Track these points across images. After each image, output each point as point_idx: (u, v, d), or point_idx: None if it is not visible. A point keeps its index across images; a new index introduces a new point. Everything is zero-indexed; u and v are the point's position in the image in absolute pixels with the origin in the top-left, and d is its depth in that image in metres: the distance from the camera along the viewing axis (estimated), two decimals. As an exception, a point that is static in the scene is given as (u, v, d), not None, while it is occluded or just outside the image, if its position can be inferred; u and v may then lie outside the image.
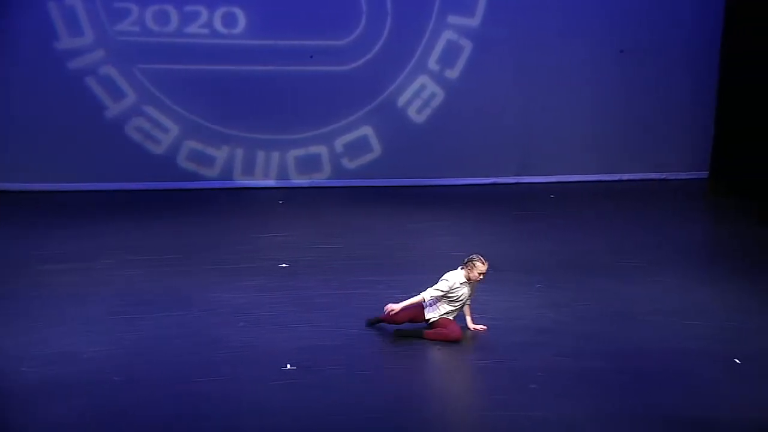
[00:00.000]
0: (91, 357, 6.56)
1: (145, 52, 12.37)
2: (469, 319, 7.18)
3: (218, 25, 12.52)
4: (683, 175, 12.94)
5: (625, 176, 12.99)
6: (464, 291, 6.98)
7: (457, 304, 6.99)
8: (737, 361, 6.47)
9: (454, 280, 6.95)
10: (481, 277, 6.98)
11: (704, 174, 12.59)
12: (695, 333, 7.06)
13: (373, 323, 7.17)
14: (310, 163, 12.83)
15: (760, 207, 10.34)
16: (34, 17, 12.06)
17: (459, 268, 7.00)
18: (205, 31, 12.49)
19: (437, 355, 6.70)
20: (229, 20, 12.52)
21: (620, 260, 8.87)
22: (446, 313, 6.99)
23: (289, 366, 6.40)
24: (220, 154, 12.74)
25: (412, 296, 7.00)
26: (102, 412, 5.73)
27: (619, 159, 12.93)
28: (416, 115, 12.86)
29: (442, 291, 6.93)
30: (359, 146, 12.82)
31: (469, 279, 6.96)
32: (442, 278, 6.99)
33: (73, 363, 6.45)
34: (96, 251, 9.22)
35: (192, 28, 12.47)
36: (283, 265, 8.78)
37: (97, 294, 7.94)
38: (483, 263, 6.95)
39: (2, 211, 11.08)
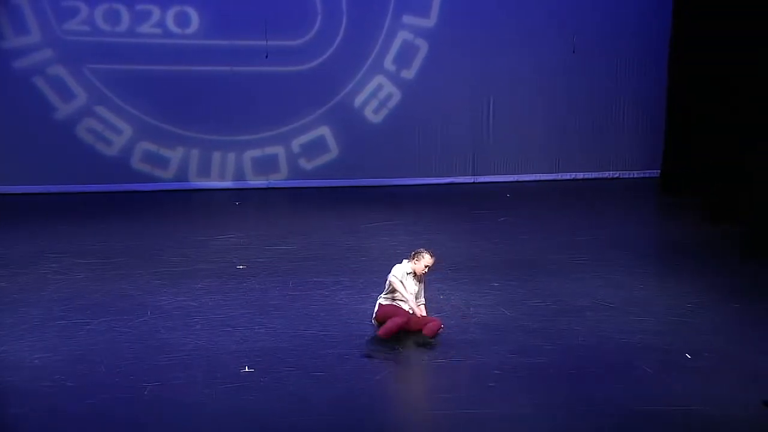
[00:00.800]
0: (40, 363, 6.42)
1: (95, 51, 12.15)
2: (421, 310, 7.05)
3: (171, 24, 12.35)
4: (636, 174, 13.15)
5: (580, 175, 13.15)
6: (411, 284, 6.94)
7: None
8: (688, 356, 6.59)
9: (402, 269, 6.91)
10: (426, 270, 6.96)
11: (656, 173, 12.81)
12: (640, 327, 7.19)
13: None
14: (266, 164, 12.74)
15: (706, 205, 10.56)
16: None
17: (405, 260, 6.98)
18: (158, 30, 12.32)
19: (394, 355, 6.68)
20: (182, 20, 12.36)
21: (571, 258, 8.99)
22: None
23: (247, 368, 6.33)
24: (175, 155, 12.57)
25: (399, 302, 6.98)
26: (54, 419, 5.60)
27: (573, 158, 13.09)
28: (373, 115, 12.85)
29: (398, 278, 6.86)
30: (316, 147, 12.77)
31: (414, 272, 6.92)
32: (391, 273, 6.95)
33: (22, 369, 6.30)
34: (42, 255, 9.03)
35: (144, 28, 12.29)
36: (241, 267, 8.68)
37: (43, 299, 7.77)
38: (431, 256, 6.94)
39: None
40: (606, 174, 13.19)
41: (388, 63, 12.78)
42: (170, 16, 12.31)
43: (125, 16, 12.21)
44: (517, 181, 12.88)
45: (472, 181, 12.97)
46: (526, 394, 6.03)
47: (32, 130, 12.06)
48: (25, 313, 7.41)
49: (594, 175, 13.12)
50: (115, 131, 12.39)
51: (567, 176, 13.13)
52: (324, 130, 12.79)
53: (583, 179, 13.02)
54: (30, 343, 6.78)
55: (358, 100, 12.76)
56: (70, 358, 6.53)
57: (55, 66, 12.12)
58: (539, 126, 13.03)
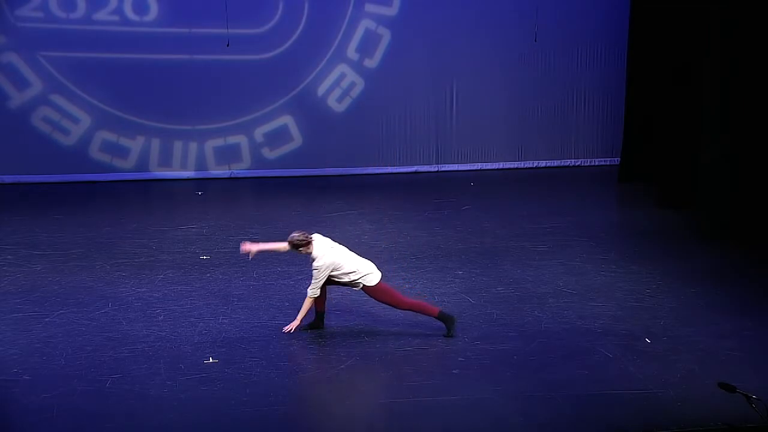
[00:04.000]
0: (-4, 357, 6.28)
1: (50, 39, 11.88)
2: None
3: (129, 12, 12.12)
4: (596, 162, 13.30)
5: (542, 163, 13.26)
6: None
7: None
8: (648, 340, 6.70)
9: (322, 261, 6.60)
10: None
11: (615, 161, 12.97)
12: (600, 313, 7.29)
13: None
14: (229, 154, 12.60)
15: (664, 192, 10.73)
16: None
17: (300, 249, 6.60)
18: (115, 18, 12.08)
19: (358, 343, 6.68)
20: (140, 7, 12.14)
21: (534, 245, 9.07)
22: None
23: (211, 359, 6.27)
24: (135, 144, 12.37)
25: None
26: (12, 412, 5.48)
27: (535, 147, 13.19)
28: (336, 104, 12.79)
29: (321, 279, 6.62)
30: (279, 136, 12.67)
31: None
32: (314, 270, 6.63)
33: (-24, 363, 6.16)
34: (-3, 246, 8.84)
35: (101, 15, 12.04)
36: (204, 257, 8.59)
37: (-1, 291, 7.61)
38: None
39: None
40: (567, 162, 13.32)
41: (351, 51, 12.72)
42: (128, 2, 12.09)
43: (81, 3, 11.95)
44: (481, 170, 12.94)
45: (435, 169, 13.00)
46: (489, 381, 6.08)
47: (-14, 119, 11.77)
48: (-19, 307, 7.25)
49: (555, 163, 13.24)
50: (72, 120, 12.14)
51: (529, 164, 13.23)
52: (287, 119, 12.70)
53: (545, 167, 13.12)
54: (-14, 337, 6.64)
55: (321, 89, 12.68)
56: (27, 351, 6.41)
57: (7, 53, 11.83)
58: (502, 115, 13.09)
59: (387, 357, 6.48)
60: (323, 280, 6.64)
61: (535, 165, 13.22)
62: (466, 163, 13.05)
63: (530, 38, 12.79)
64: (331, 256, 6.64)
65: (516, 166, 13.14)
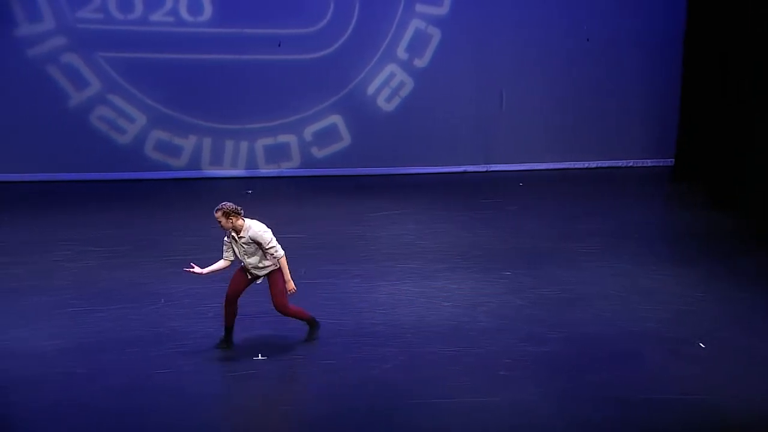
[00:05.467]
0: (51, 350, 6.48)
1: (109, 39, 12.18)
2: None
3: (184, 12, 12.37)
4: (649, 163, 13.07)
5: (593, 164, 13.08)
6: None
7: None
8: (702, 345, 6.57)
9: (261, 225, 6.50)
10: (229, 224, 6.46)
11: (669, 161, 12.72)
12: (647, 316, 7.18)
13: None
14: (278, 153, 12.76)
15: (718, 194, 10.49)
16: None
17: (231, 217, 6.39)
18: (171, 18, 12.34)
19: (403, 342, 6.70)
20: (195, 8, 12.37)
21: (581, 246, 8.98)
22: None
23: (260, 356, 6.36)
24: (188, 143, 12.61)
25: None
26: (68, 405, 5.66)
27: (585, 147, 13.02)
28: (385, 103, 12.83)
29: (272, 237, 6.47)
30: (328, 135, 12.77)
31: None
32: (264, 233, 6.45)
33: (34, 355, 6.37)
34: (55, 242, 9.10)
35: (157, 16, 12.31)
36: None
37: (54, 286, 7.85)
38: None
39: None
40: (619, 162, 13.12)
41: (401, 51, 12.75)
42: (183, 4, 12.33)
43: (139, 4, 12.23)
44: (530, 170, 12.83)
45: (484, 169, 12.94)
46: (533, 383, 6.04)
47: (46, 118, 12.13)
48: (37, 300, 7.48)
49: (607, 163, 13.06)
50: (128, 119, 12.44)
51: (579, 165, 13.07)
52: (336, 119, 12.79)
53: (595, 168, 12.95)
54: (41, 330, 6.86)
55: (371, 89, 12.74)
56: (81, 345, 6.59)
57: (68, 54, 12.17)
58: (552, 114, 12.95)
59: (432, 357, 6.49)
60: (274, 238, 6.42)
61: (585, 165, 13.06)
62: (515, 163, 12.95)
63: (581, 37, 12.64)
64: (262, 224, 6.48)
65: (565, 166, 12.99)
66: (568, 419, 5.62)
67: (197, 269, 6.58)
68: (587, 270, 8.26)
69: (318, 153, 12.81)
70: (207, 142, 12.64)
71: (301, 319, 6.77)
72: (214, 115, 12.56)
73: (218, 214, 6.44)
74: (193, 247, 9.06)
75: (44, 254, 8.72)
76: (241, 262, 6.57)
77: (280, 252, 6.51)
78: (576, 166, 13.01)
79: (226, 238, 6.58)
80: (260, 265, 6.54)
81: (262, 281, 6.65)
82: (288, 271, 6.56)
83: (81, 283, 7.93)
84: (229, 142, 12.66)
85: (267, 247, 6.45)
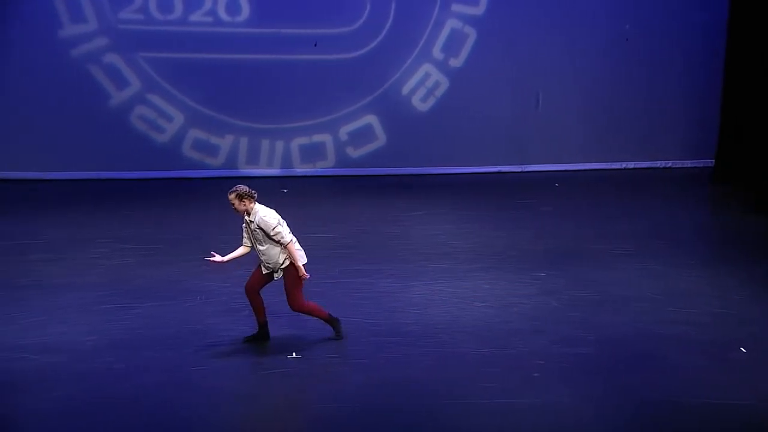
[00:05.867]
0: (90, 345, 6.59)
1: (149, 40, 12.39)
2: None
3: (222, 12, 12.51)
4: (688, 164, 12.89)
5: (631, 164, 12.94)
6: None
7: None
8: (743, 350, 6.46)
9: (270, 211, 6.39)
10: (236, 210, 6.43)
11: (710, 162, 12.51)
12: (683, 319, 7.08)
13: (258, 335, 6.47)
14: (314, 152, 12.83)
15: (760, 196, 10.28)
16: (38, 4, 12.09)
17: (244, 200, 6.32)
18: (209, 19, 12.49)
19: (436, 343, 6.69)
20: (233, 8, 12.50)
21: (616, 248, 8.89)
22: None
23: (294, 354, 6.40)
24: (225, 143, 12.75)
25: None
26: (104, 401, 5.76)
27: (623, 148, 12.90)
28: (420, 103, 12.83)
29: (279, 224, 6.32)
30: (363, 135, 12.82)
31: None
32: (269, 218, 6.33)
33: (73, 350, 6.49)
34: (93, 239, 9.27)
35: (196, 16, 12.47)
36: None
37: (92, 282, 7.99)
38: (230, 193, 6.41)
39: (1, 199, 11.15)
40: (658, 163, 12.96)
41: (436, 51, 12.74)
42: (221, 4, 12.47)
43: (178, 5, 12.41)
44: (565, 171, 12.73)
45: (519, 170, 12.87)
46: (567, 385, 5.99)
47: (87, 117, 12.37)
48: (77, 296, 7.63)
49: (644, 164, 12.92)
50: (167, 119, 12.62)
51: (616, 165, 12.94)
52: (371, 118, 12.83)
53: (633, 168, 12.80)
54: (80, 326, 6.98)
55: (406, 89, 12.76)
56: (118, 341, 6.70)
57: (110, 54, 12.40)
58: (589, 115, 12.85)
59: (465, 357, 6.47)
60: (281, 225, 6.32)
61: (622, 166, 12.92)
62: (550, 163, 12.87)
63: (621, 37, 12.52)
64: (272, 211, 6.42)
65: (602, 167, 12.87)
66: (603, 422, 5.56)
67: (218, 257, 6.56)
68: (622, 272, 8.18)
69: (353, 152, 12.86)
70: (243, 141, 12.77)
71: (319, 317, 6.67)
72: (250, 115, 12.69)
73: (231, 196, 6.38)
74: (229, 246, 9.07)
75: (82, 251, 8.89)
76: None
77: (287, 238, 6.33)
78: (613, 167, 12.88)
79: (243, 224, 6.55)
80: (275, 258, 6.37)
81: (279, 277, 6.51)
82: (298, 259, 6.39)
83: (118, 280, 8.06)
84: (265, 142, 12.78)
85: (272, 233, 6.32)
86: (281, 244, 6.37)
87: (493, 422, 5.58)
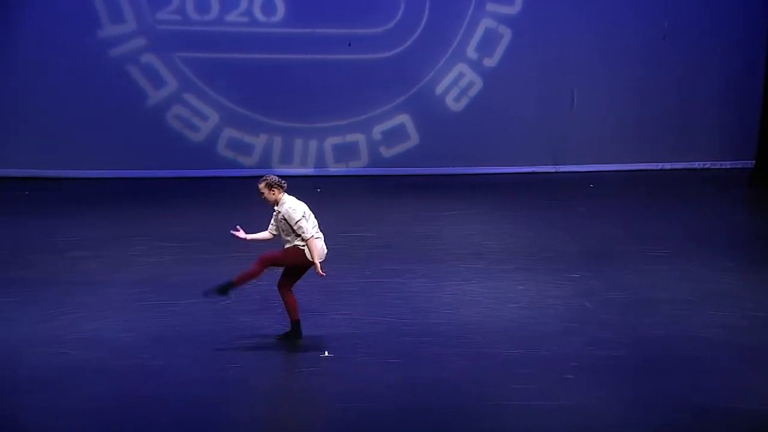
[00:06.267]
0: (128, 341, 6.70)
1: (185, 40, 12.55)
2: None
3: (258, 13, 12.62)
4: (727, 165, 12.69)
5: (667, 165, 12.79)
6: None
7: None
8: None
9: (297, 203, 6.44)
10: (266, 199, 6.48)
11: (749, 164, 12.31)
12: (720, 322, 6.98)
13: (224, 290, 6.45)
14: (347, 152, 12.89)
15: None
16: (78, 4, 12.31)
17: (273, 189, 6.39)
18: (245, 19, 12.61)
19: (468, 344, 6.68)
20: (269, 8, 12.61)
21: (651, 249, 8.81)
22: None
23: (326, 353, 6.44)
24: (259, 142, 12.86)
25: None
26: (140, 396, 5.85)
27: (660, 148, 12.76)
28: (454, 103, 12.82)
29: (303, 218, 6.35)
30: (396, 134, 12.84)
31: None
32: (293, 210, 6.36)
33: (112, 347, 6.60)
34: (131, 237, 9.42)
35: (232, 16, 12.60)
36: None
37: (130, 279, 8.12)
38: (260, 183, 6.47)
39: (39, 197, 11.38)
40: (694, 164, 12.79)
41: (470, 51, 12.71)
42: (257, 4, 12.58)
43: (215, 5, 12.55)
44: (600, 171, 12.61)
45: (553, 170, 12.79)
46: (601, 387, 5.95)
47: (125, 116, 12.57)
48: (115, 293, 7.76)
49: (681, 165, 12.76)
50: (202, 118, 12.77)
51: (652, 166, 12.80)
52: (404, 118, 12.84)
53: (669, 169, 12.64)
54: (118, 323, 7.10)
55: (439, 88, 12.75)
56: (156, 338, 6.79)
57: (147, 54, 12.57)
58: (625, 115, 12.72)
59: (497, 358, 6.45)
60: (306, 219, 6.35)
61: (659, 167, 12.77)
62: (585, 164, 12.77)
63: (657, 36, 12.38)
64: (301, 203, 6.46)
65: (638, 168, 12.75)
66: (635, 426, 5.51)
67: (242, 233, 6.64)
68: (657, 274, 8.09)
69: (386, 152, 12.88)
70: (277, 140, 12.87)
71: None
72: (284, 114, 12.78)
73: (261, 185, 6.45)
74: (261, 244, 9.22)
75: (121, 249, 9.03)
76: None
77: (308, 233, 6.34)
78: (649, 168, 12.74)
79: (274, 213, 6.61)
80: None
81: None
82: (317, 256, 6.38)
83: (155, 278, 8.17)
84: (299, 141, 12.86)
85: (294, 226, 6.35)
86: (302, 239, 6.39)
87: (525, 424, 5.56)
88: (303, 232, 6.37)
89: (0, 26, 12.14)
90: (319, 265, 6.45)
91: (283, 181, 6.48)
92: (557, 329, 6.93)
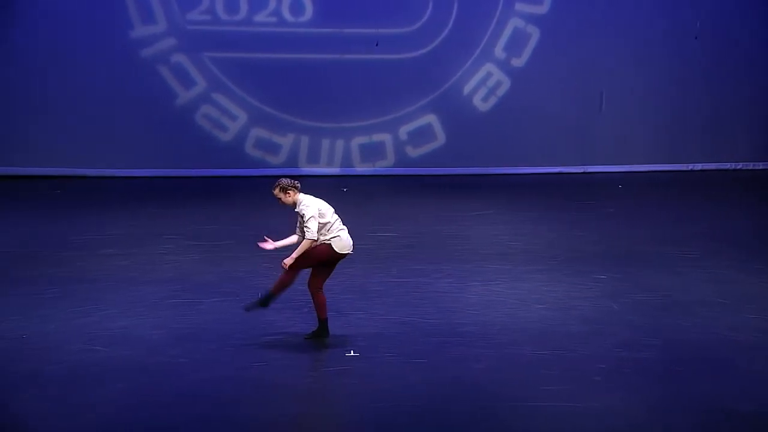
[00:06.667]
0: (157, 338, 6.78)
1: (214, 40, 12.64)
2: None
3: (286, 13, 12.68)
4: (760, 165, 12.51)
5: (698, 166, 12.63)
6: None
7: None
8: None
9: (311, 201, 6.49)
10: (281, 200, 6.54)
11: (784, 165, 12.15)
12: (751, 325, 6.90)
13: (265, 302, 6.55)
14: (373, 151, 12.90)
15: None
16: (110, 6, 12.47)
17: (288, 192, 6.46)
18: (273, 19, 12.68)
19: (495, 344, 6.67)
20: (297, 8, 12.66)
21: (682, 251, 8.71)
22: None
23: (352, 352, 6.46)
24: (286, 141, 12.92)
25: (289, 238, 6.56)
26: (168, 393, 5.92)
27: (690, 149, 12.61)
28: (481, 103, 12.78)
29: (314, 216, 6.39)
30: (423, 134, 12.83)
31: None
32: (306, 207, 6.44)
33: (141, 344, 6.68)
34: (159, 236, 9.52)
35: (260, 17, 12.68)
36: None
37: (159, 278, 8.21)
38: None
39: (71, 196, 11.55)
40: (725, 165, 12.62)
41: (498, 50, 12.66)
42: (285, 4, 12.65)
43: (244, 5, 12.63)
44: (629, 172, 12.49)
45: (581, 170, 12.70)
46: (630, 390, 5.90)
47: (156, 116, 12.70)
48: (144, 291, 7.85)
49: (712, 166, 12.59)
50: (230, 118, 12.86)
51: (682, 167, 12.65)
52: (431, 118, 12.83)
53: (700, 170, 12.48)
54: (147, 320, 7.19)
55: (467, 88, 12.72)
56: (184, 335, 6.86)
57: (177, 54, 12.69)
58: (654, 115, 12.59)
59: (523, 359, 6.42)
60: (316, 219, 6.35)
61: (689, 168, 12.62)
62: (613, 164, 12.66)
63: (689, 35, 12.23)
64: (316, 200, 6.51)
65: (668, 168, 12.61)
66: (663, 428, 5.46)
67: (269, 244, 6.68)
68: (687, 276, 8.00)
69: (412, 152, 12.88)
70: (304, 140, 12.92)
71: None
72: (311, 114, 12.83)
73: (276, 191, 6.50)
74: (288, 249, 9.27)
75: (150, 247, 9.13)
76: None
77: (312, 235, 6.35)
78: (678, 169, 12.60)
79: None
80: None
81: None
82: (300, 252, 6.37)
83: (184, 276, 8.25)
84: (326, 141, 12.90)
85: (304, 222, 6.39)
86: (306, 237, 6.39)
87: (550, 425, 5.53)
88: (307, 231, 6.40)
89: (32, 27, 12.33)
90: (293, 259, 6.41)
91: (295, 182, 6.53)
92: (583, 330, 6.88)
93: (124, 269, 8.43)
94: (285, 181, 6.52)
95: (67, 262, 8.62)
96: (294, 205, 6.53)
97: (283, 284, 6.65)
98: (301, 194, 6.56)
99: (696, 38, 12.32)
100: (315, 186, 12.15)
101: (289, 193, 6.49)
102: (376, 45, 12.56)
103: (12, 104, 12.40)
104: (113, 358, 6.44)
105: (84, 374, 6.17)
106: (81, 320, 7.15)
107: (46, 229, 9.86)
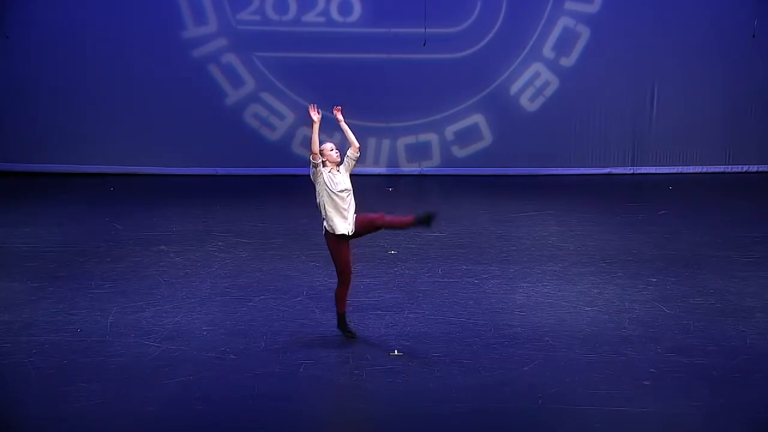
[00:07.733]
0: (207, 334, 6.88)
1: (264, 40, 12.76)
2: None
3: (334, 13, 12.74)
4: (822, 167, 12.16)
5: (753, 168, 12.33)
6: (339, 179, 7.11)
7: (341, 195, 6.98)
8: None
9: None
10: (333, 155, 7.16)
11: None
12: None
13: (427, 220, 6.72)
14: (419, 151, 12.88)
15: None
16: (164, 7, 12.68)
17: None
18: (322, 19, 12.75)
19: (542, 346, 6.60)
20: (345, 8, 12.71)
21: (740, 255, 8.50)
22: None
23: (396, 351, 6.47)
24: (332, 141, 12.95)
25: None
26: (217, 388, 5.99)
27: (745, 150, 12.30)
28: (529, 103, 12.66)
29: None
30: (470, 134, 12.76)
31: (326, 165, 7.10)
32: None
33: (192, 339, 6.79)
34: (210, 233, 9.65)
35: (309, 17, 12.75)
36: (392, 252, 8.87)
37: (210, 275, 8.32)
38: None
39: (123, 193, 11.78)
40: (782, 167, 12.29)
41: (547, 50, 12.53)
42: (334, 4, 12.70)
43: (293, 5, 12.73)
44: (681, 173, 12.25)
45: (631, 171, 12.50)
46: (684, 395, 5.78)
47: (206, 115, 12.87)
48: (195, 288, 7.97)
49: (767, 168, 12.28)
50: (278, 117, 12.97)
51: (738, 169, 12.35)
52: (478, 118, 12.75)
53: (756, 172, 12.19)
54: (199, 316, 7.30)
55: (514, 88, 12.61)
56: (233, 333, 6.95)
57: (228, 54, 12.84)
58: (708, 115, 12.32)
59: (572, 362, 6.35)
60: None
61: (745, 170, 12.32)
62: (665, 165, 12.43)
63: (746, 34, 11.94)
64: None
65: (722, 170, 12.33)
66: (716, 436, 5.34)
67: (340, 115, 7.43)
68: (745, 280, 7.80)
69: (459, 152, 12.82)
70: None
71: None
72: (358, 113, 12.82)
73: (330, 148, 7.21)
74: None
75: (200, 244, 9.25)
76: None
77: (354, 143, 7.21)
78: (733, 170, 12.30)
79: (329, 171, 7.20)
80: (352, 210, 7.01)
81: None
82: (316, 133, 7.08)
83: (233, 273, 8.35)
84: (372, 140, 12.92)
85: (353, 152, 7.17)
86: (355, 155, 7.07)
87: (598, 429, 5.46)
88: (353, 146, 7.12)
89: (83, 26, 12.60)
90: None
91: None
92: (634, 334, 6.77)
93: (176, 266, 8.57)
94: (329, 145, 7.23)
95: (124, 257, 8.80)
96: (336, 164, 7.17)
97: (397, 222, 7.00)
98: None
99: (753, 36, 12.02)
100: (361, 185, 12.30)
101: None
102: (424, 45, 12.52)
103: (69, 103, 12.70)
104: (165, 352, 6.56)
105: (135, 368, 6.29)
106: (136, 315, 7.30)
107: (101, 226, 10.07)
